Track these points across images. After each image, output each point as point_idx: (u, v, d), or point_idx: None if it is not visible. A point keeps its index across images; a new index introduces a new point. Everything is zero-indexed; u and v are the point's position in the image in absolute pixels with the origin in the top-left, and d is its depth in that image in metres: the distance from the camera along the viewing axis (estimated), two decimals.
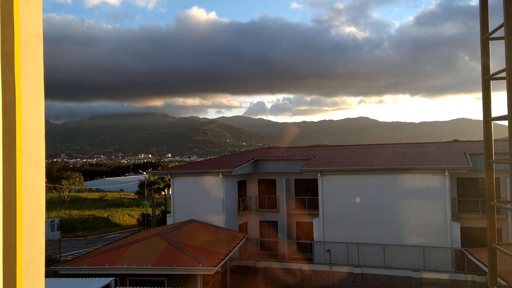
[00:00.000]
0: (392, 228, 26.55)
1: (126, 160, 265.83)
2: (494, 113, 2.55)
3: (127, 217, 59.31)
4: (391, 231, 26.55)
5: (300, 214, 31.52)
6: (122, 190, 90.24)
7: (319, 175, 28.60)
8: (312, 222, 29.02)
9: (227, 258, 22.86)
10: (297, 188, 32.70)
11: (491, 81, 2.63)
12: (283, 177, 32.31)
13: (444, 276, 23.63)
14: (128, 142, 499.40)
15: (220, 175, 29.72)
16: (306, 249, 29.99)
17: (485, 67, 2.66)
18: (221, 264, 21.56)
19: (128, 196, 78.28)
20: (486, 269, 19.58)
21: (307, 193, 32.13)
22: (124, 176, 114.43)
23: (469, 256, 21.85)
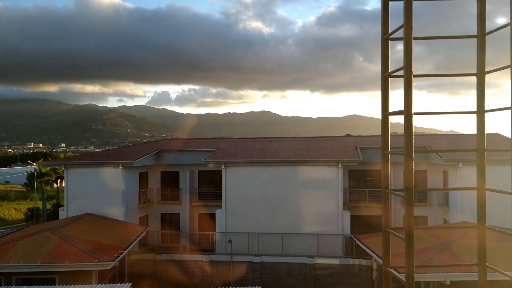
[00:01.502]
0: (291, 217, 27.73)
1: (13, 150, 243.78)
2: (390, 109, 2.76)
3: (13, 211, 54.44)
4: (289, 221, 27.72)
5: (203, 206, 31.55)
6: (8, 182, 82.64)
7: (223, 167, 28.83)
8: (215, 214, 29.22)
9: (125, 252, 22.10)
10: (201, 180, 32.64)
11: (389, 79, 2.78)
12: (187, 169, 32.03)
13: (335, 261, 25.30)
14: (16, 130, 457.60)
15: (120, 167, 28.57)
16: (208, 241, 30.13)
17: (385, 65, 2.80)
18: (118, 258, 20.78)
19: (15, 189, 71.90)
20: (372, 254, 21.32)
21: (210, 185, 32.22)
22: (10, 167, 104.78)
23: (357, 242, 23.60)
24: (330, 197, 27.51)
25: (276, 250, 27.29)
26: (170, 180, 32.83)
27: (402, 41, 2.30)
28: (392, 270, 2.74)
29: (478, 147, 2.94)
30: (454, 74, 3.00)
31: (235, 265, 26.35)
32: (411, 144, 2.48)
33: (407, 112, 2.35)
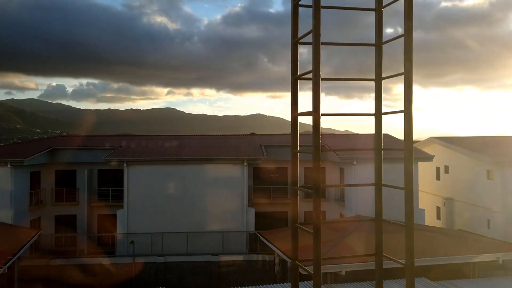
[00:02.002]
0: (196, 216, 27.60)
1: None
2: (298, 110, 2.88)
3: None
4: (194, 219, 27.57)
5: (104, 206, 30.08)
6: None
7: (124, 165, 27.77)
8: (116, 214, 28.05)
9: (14, 258, 20.34)
10: (100, 179, 31.06)
11: (298, 81, 2.88)
12: (85, 167, 30.29)
13: (239, 258, 25.74)
14: None
15: (9, 166, 26.18)
16: (108, 243, 28.83)
17: (294, 68, 2.88)
18: (7, 265, 19.07)
19: None
20: (274, 249, 22.02)
21: (111, 185, 30.81)
22: None
23: (261, 238, 24.22)
24: (235, 195, 27.89)
25: (181, 249, 26.99)
26: (66, 179, 30.80)
27: (310, 45, 2.43)
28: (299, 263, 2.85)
29: (376, 147, 3.14)
30: (357, 78, 3.23)
31: (138, 266, 25.56)
32: (319, 143, 2.59)
33: (316, 113, 2.47)
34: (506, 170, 26.03)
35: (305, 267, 2.86)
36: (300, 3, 2.65)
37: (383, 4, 2.76)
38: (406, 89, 2.36)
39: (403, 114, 2.48)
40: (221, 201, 27.72)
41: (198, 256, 25.94)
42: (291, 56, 2.83)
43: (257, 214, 28.62)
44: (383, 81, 2.70)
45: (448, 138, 34.17)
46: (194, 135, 41.43)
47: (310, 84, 2.49)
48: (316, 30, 2.50)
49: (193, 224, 27.47)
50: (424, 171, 29.26)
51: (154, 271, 25.61)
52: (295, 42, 2.83)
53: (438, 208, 31.19)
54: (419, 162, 26.69)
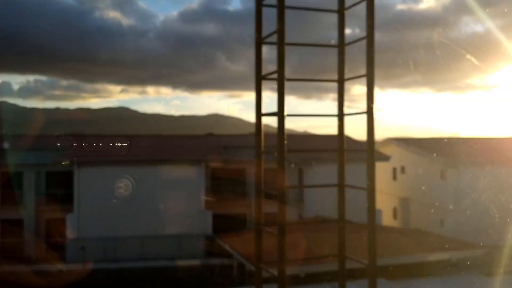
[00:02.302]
0: (151, 219, 26.77)
1: None
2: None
3: None
4: (150, 223, 26.74)
5: (52, 210, 28.64)
6: None
7: (75, 167, 26.54)
8: (66, 219, 26.78)
9: None
10: (49, 182, 29.58)
11: (262, 81, 2.79)
12: (33, 169, 28.74)
13: (196, 262, 25.20)
14: None
15: None
16: (57, 248, 27.49)
17: (258, 68, 2.80)
18: None
19: None
20: (233, 252, 21.67)
21: (61, 187, 29.39)
22: None
23: (219, 241, 23.78)
24: (192, 197, 27.28)
25: (135, 254, 26.10)
26: (12, 182, 29.13)
27: (273, 45, 2.36)
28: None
29: (339, 147, 3.14)
30: (321, 80, 3.18)
31: (89, 273, 24.47)
32: (284, 145, 2.52)
33: (280, 113, 2.40)
34: (460, 170, 26.86)
35: (270, 270, 2.76)
36: (264, 2, 2.46)
37: (346, 6, 2.68)
38: (368, 90, 2.36)
39: (365, 115, 2.34)
40: (177, 204, 27.02)
41: (153, 261, 25.13)
42: (255, 56, 2.72)
43: (215, 217, 28.14)
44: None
45: (404, 139, 35.07)
46: (149, 135, 40.43)
47: (270, 84, 2.58)
48: (280, 30, 2.28)
49: (148, 228, 26.63)
50: (381, 171, 29.82)
51: (106, 277, 24.62)
52: (259, 42, 2.62)
53: (394, 208, 31.86)
54: (376, 163, 27.09)
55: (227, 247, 22.71)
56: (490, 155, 28.04)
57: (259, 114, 2.87)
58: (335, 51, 3.15)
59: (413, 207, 30.45)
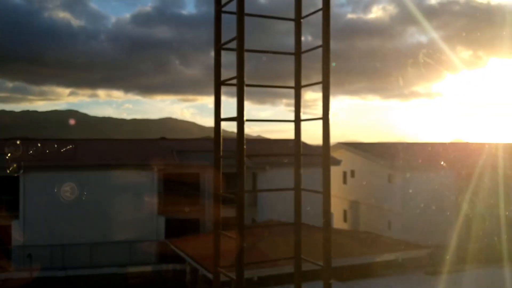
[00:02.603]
0: (102, 225, 26.07)
1: None
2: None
3: None
4: (100, 229, 26.02)
5: None
6: None
7: (20, 172, 25.41)
8: (12, 225, 25.57)
9: None
10: None
11: (221, 86, 2.90)
12: None
13: (148, 268, 24.77)
14: None
15: None
16: (3, 256, 26.15)
17: (217, 73, 2.91)
18: None
19: None
20: (186, 257, 21.52)
21: (6, 193, 27.99)
22: None
23: (172, 246, 23.54)
24: (144, 202, 26.81)
25: (84, 261, 25.28)
26: None
27: (232, 51, 2.40)
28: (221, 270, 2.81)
29: (296, 152, 3.26)
30: (278, 86, 3.29)
31: (36, 281, 23.48)
32: (243, 149, 2.63)
33: (240, 118, 2.46)
34: (405, 174, 28.05)
35: (228, 274, 2.87)
36: (223, 9, 2.60)
37: (302, 15, 2.85)
38: (324, 97, 2.49)
39: (321, 121, 2.57)
40: (128, 209, 26.47)
41: (103, 269, 24.48)
42: (214, 62, 2.82)
43: (167, 222, 27.79)
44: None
45: (354, 143, 36.14)
46: (99, 139, 39.36)
47: (224, 88, 2.64)
48: (240, 37, 2.44)
49: (98, 234, 25.91)
50: (331, 175, 30.45)
51: (54, 286, 23.71)
52: (219, 48, 2.74)
53: (345, 211, 32.75)
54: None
55: (180, 252, 22.53)
56: (433, 159, 29.51)
57: (218, 119, 2.90)
58: (288, 58, 3.25)
59: (362, 210, 31.45)
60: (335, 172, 31.90)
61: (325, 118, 2.49)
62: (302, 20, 2.73)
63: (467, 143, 37.69)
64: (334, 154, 32.87)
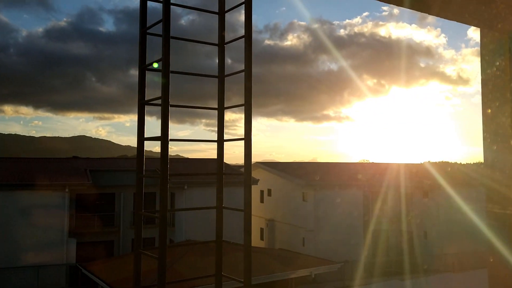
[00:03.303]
0: (6, 249, 24.16)
1: None
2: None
3: None
4: (4, 253, 24.08)
5: None
6: None
7: None
8: None
9: None
10: None
11: (145, 106, 2.92)
12: None
13: None
14: None
15: None
16: None
17: (142, 93, 2.92)
18: None
19: None
20: (99, 281, 20.64)
21: None
22: None
23: (83, 270, 22.45)
24: (54, 224, 25.35)
25: None
26: None
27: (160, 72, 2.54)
28: None
29: (218, 171, 3.31)
30: (202, 107, 3.46)
31: None
32: (167, 169, 2.64)
33: (164, 138, 2.52)
34: (318, 192, 29.46)
35: None
36: (149, 31, 2.78)
37: (226, 41, 3.10)
38: (246, 118, 2.65)
39: (243, 141, 2.75)
40: (36, 232, 24.84)
41: None
42: (138, 82, 2.91)
43: (79, 245, 26.46)
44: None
45: (271, 163, 37.22)
46: (4, 158, 36.62)
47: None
48: (165, 59, 2.62)
49: (2, 259, 23.96)
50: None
51: None
52: (143, 68, 2.91)
53: (261, 229, 33.43)
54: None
55: (92, 276, 21.56)
56: (343, 178, 31.35)
57: (141, 138, 2.99)
58: (210, 79, 3.42)
59: (279, 227, 32.36)
60: (253, 191, 32.58)
61: (247, 139, 2.58)
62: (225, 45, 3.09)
63: (373, 163, 40.55)
64: (252, 173, 33.55)
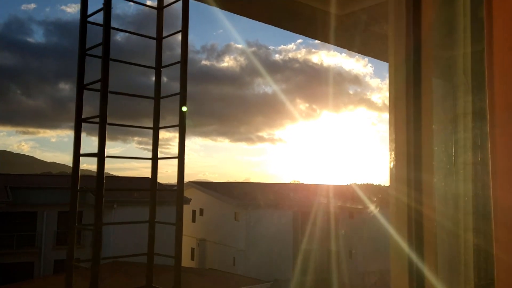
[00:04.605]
0: None
1: None
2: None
3: None
4: None
5: None
6: None
7: None
8: None
9: None
10: None
11: (82, 123, 3.02)
12: None
13: None
14: None
15: None
16: None
17: (79, 111, 3.01)
18: None
19: None
20: None
21: None
22: None
23: None
24: None
25: None
26: None
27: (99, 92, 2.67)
28: None
29: (151, 188, 3.46)
30: (137, 126, 3.58)
31: None
32: (103, 184, 2.75)
33: (101, 155, 2.65)
34: (250, 212, 29.80)
35: None
36: (88, 52, 2.91)
37: (162, 65, 3.27)
38: (180, 138, 2.76)
39: (177, 160, 2.88)
40: None
41: None
42: (76, 100, 2.96)
43: None
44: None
45: (204, 183, 37.11)
46: None
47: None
48: (104, 80, 2.74)
49: None
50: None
51: None
52: (82, 87, 3.01)
53: (192, 249, 33.05)
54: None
55: None
56: (274, 199, 32.00)
57: (77, 154, 3.06)
58: (145, 99, 3.56)
59: (210, 247, 32.19)
60: (185, 211, 32.17)
61: (180, 157, 2.74)
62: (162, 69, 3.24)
63: (303, 184, 41.77)
64: (185, 192, 33.23)
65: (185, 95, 2.60)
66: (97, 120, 2.56)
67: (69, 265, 2.97)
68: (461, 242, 2.02)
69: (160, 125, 3.01)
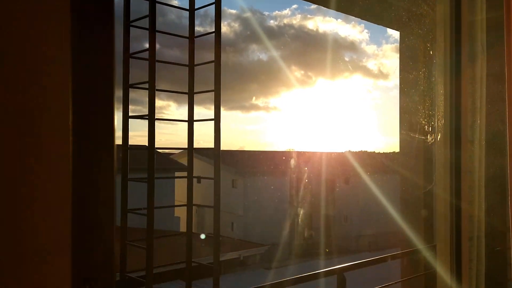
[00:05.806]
0: None
1: None
2: None
3: None
4: None
5: None
6: None
7: None
8: None
9: None
10: None
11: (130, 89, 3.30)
12: None
13: None
14: None
15: None
16: None
17: (126, 78, 3.27)
18: None
19: None
20: None
21: None
22: None
23: None
24: None
25: None
26: None
27: None
28: None
29: (189, 148, 3.74)
30: (175, 91, 3.74)
31: None
32: (153, 144, 3.01)
33: (151, 116, 2.90)
34: (247, 179, 30.26)
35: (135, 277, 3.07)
36: (133, 55, 3.11)
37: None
38: (216, 102, 2.90)
39: (213, 121, 3.10)
40: None
41: None
42: (122, 68, 3.19)
43: None
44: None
45: (200, 149, 37.28)
46: None
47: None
48: (151, 50, 2.97)
49: None
50: (180, 181, 30.94)
51: None
52: (127, 56, 3.23)
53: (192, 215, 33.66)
54: (176, 173, 28.20)
55: None
56: (271, 166, 32.41)
57: (126, 116, 3.22)
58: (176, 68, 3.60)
59: (209, 213, 32.72)
60: (184, 178, 32.51)
61: (216, 120, 2.94)
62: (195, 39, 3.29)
63: (299, 152, 42.19)
64: (182, 160, 33.50)
65: (219, 62, 2.71)
66: (146, 86, 2.80)
67: (124, 242, 3.19)
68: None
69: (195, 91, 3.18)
